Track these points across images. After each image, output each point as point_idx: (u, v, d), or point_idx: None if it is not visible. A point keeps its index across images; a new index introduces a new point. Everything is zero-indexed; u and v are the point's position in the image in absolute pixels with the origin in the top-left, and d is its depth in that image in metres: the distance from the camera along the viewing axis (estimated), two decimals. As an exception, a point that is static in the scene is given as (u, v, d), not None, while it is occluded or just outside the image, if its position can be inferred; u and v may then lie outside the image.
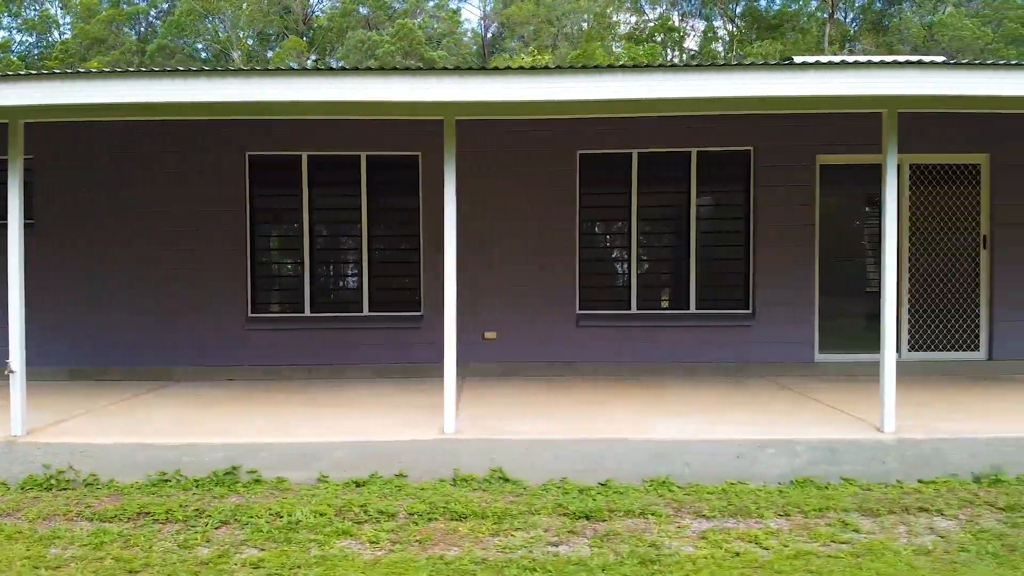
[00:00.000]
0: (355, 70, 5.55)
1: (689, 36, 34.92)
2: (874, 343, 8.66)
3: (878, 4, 35.91)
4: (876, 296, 8.75)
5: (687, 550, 4.51)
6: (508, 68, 5.57)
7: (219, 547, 4.59)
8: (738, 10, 35.61)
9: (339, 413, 6.66)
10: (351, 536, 4.77)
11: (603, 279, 8.91)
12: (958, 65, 5.42)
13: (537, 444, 5.60)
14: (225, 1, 30.84)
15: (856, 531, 4.80)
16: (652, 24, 33.34)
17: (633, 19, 34.16)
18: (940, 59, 6.54)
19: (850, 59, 6.23)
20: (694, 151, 8.70)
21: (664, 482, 5.58)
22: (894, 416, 5.74)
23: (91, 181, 8.68)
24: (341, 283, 8.85)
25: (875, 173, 8.68)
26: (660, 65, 5.22)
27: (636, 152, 8.73)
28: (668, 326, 8.72)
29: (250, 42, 37.59)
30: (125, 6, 35.52)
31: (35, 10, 39.36)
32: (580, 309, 8.77)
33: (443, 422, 5.81)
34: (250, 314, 8.70)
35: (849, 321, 8.71)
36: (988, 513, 5.09)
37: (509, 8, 34.18)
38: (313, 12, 34.55)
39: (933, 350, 8.67)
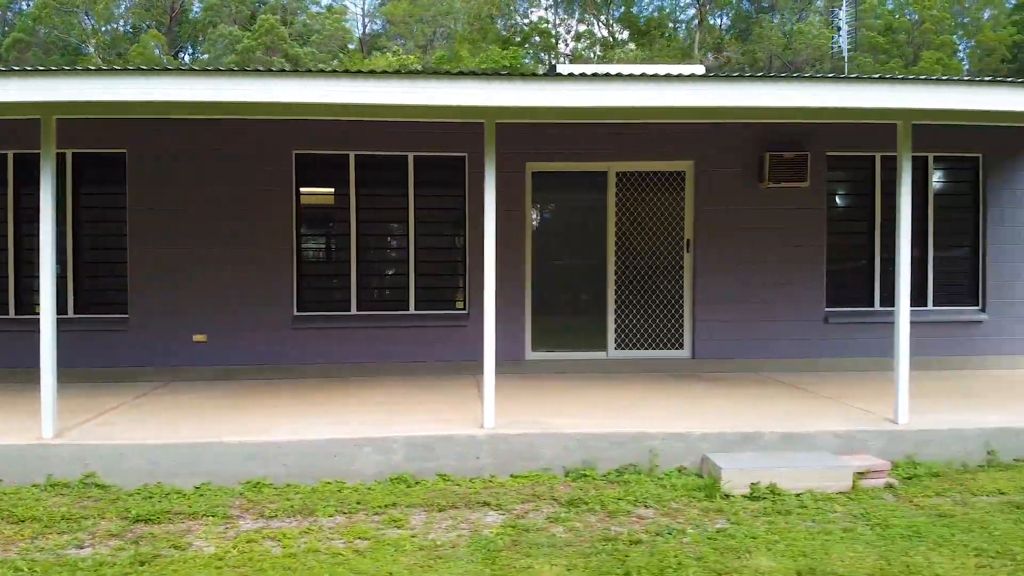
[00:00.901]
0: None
1: (566, 41, 35.40)
2: (584, 341, 9.04)
3: (749, 12, 37.08)
4: (589, 296, 9.05)
5: (207, 550, 4.58)
6: (100, 69, 5.56)
7: None
8: (616, 15, 36.30)
9: (-25, 418, 6.53)
10: None
11: (322, 280, 8.96)
12: (536, 76, 5.66)
13: (129, 449, 5.60)
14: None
15: (398, 527, 4.94)
16: (527, 28, 33.68)
17: (512, 22, 34.43)
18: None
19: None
20: (411, 155, 8.83)
21: (258, 483, 5.64)
22: (494, 414, 5.93)
23: None
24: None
25: (583, 180, 9.02)
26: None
27: (353, 154, 8.79)
28: (388, 327, 8.82)
29: (128, 32, 36.52)
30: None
31: None
32: (297, 311, 8.79)
33: (41, 428, 5.74)
34: (-51, 317, 8.44)
35: (561, 320, 8.97)
36: (547, 507, 5.30)
37: (386, 6, 34.03)
38: (181, 5, 33.73)
39: (640, 348, 9.01)
